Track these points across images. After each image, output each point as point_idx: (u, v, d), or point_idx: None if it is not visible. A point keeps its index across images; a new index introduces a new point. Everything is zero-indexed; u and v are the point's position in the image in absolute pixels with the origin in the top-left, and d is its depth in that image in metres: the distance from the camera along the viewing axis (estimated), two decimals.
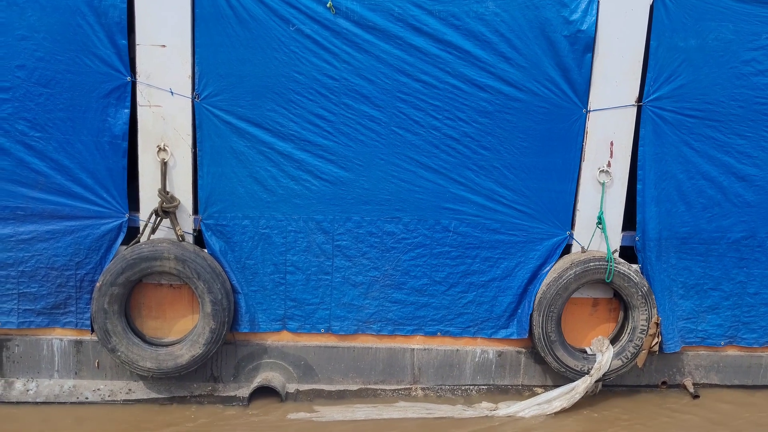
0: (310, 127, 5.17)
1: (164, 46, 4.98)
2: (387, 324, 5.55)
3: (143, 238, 5.17)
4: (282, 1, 4.95)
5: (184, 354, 5.18)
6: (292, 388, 5.53)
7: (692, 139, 5.40)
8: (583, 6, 5.11)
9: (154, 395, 5.37)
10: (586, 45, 5.16)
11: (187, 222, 5.24)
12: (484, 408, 5.46)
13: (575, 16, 5.11)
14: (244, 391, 5.42)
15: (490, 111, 5.24)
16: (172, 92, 5.04)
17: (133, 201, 5.22)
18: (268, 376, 5.48)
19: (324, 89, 5.11)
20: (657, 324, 5.53)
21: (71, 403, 5.29)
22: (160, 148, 5.10)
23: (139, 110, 5.06)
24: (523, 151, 5.34)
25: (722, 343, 5.85)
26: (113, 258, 5.14)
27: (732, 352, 5.92)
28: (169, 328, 5.44)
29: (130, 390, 5.38)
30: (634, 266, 5.52)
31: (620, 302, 5.70)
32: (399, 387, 5.66)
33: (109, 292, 5.04)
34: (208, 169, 5.19)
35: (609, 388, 5.77)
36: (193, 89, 5.06)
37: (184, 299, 5.40)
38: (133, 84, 5.02)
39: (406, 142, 5.25)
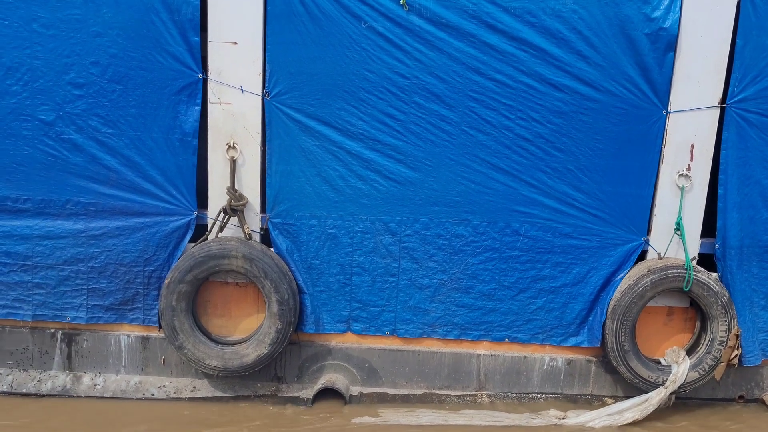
0: (379, 126, 5.08)
1: (236, 43, 4.95)
2: (453, 328, 5.43)
3: (211, 236, 5.15)
4: None
5: (250, 353, 5.15)
6: (355, 390, 5.45)
7: None
8: (665, 3, 4.90)
9: (218, 393, 5.36)
10: (668, 43, 4.95)
11: (254, 220, 5.21)
12: (552, 417, 5.29)
13: (657, 14, 4.91)
14: (308, 392, 5.37)
15: (565, 111, 5.08)
16: (242, 90, 5.01)
17: (201, 199, 5.21)
18: (332, 377, 5.42)
19: (395, 88, 5.02)
20: (737, 335, 5.29)
21: (137, 399, 5.31)
22: (229, 146, 5.08)
23: (210, 107, 5.06)
24: (599, 154, 5.16)
25: None
26: (181, 255, 5.14)
27: None
28: (235, 327, 5.41)
29: (195, 388, 5.38)
30: (714, 275, 5.29)
31: (697, 312, 5.46)
32: (464, 393, 5.53)
33: (177, 290, 5.04)
34: (276, 167, 5.15)
35: (682, 400, 5.54)
36: (264, 87, 5.03)
37: (249, 298, 5.37)
38: (204, 81, 5.01)
39: (476, 143, 5.13)
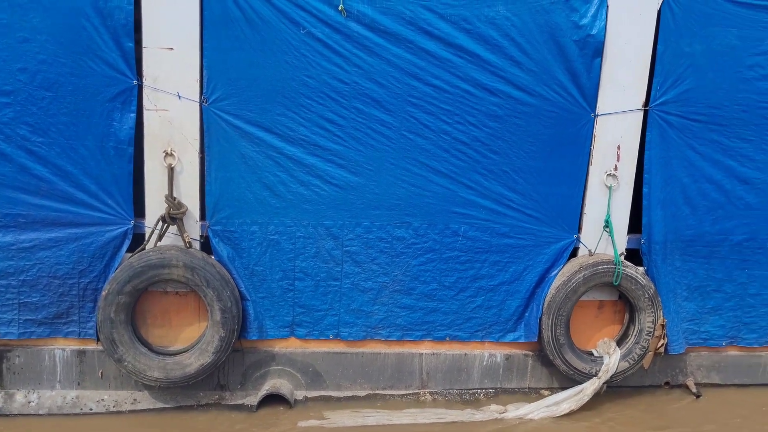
0: (320, 132, 5.11)
1: (172, 48, 4.87)
2: (396, 330, 5.52)
3: (149, 246, 5.05)
4: (292, 4, 4.88)
5: (193, 363, 5.09)
6: (300, 395, 5.47)
7: (697, 143, 5.46)
8: (592, 11, 5.13)
9: (160, 405, 5.26)
10: (595, 49, 5.18)
11: (193, 228, 5.14)
12: (493, 411, 5.46)
13: (585, 21, 5.13)
14: (252, 399, 5.34)
15: (500, 115, 5.24)
16: (179, 96, 4.93)
17: (138, 207, 5.10)
18: (277, 383, 5.41)
19: (334, 93, 5.05)
20: (663, 326, 5.60)
21: (75, 414, 5.16)
22: (167, 153, 4.99)
23: (146, 114, 4.95)
24: (533, 155, 5.34)
25: (724, 343, 5.94)
26: (119, 266, 5.02)
27: (733, 352, 6.02)
28: (175, 337, 5.33)
29: (135, 400, 5.27)
30: (640, 269, 5.57)
31: (625, 304, 5.75)
32: (407, 392, 5.64)
33: (115, 301, 4.92)
34: (215, 174, 5.09)
35: (613, 389, 5.81)
36: (201, 93, 4.96)
37: (190, 307, 5.30)
38: (140, 87, 4.90)
39: (416, 147, 5.22)
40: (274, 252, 5.25)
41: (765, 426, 5.56)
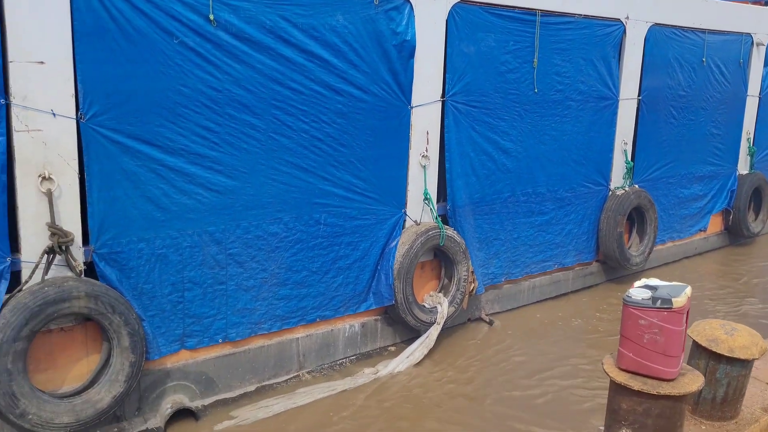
0: (198, 140, 5.16)
1: (42, 63, 4.44)
2: (276, 321, 5.84)
3: (33, 281, 4.53)
4: (165, 14, 4.86)
5: (104, 397, 4.75)
6: (197, 404, 5.44)
7: (476, 124, 6.90)
8: (405, 20, 6.13)
9: None
10: (410, 52, 6.20)
11: (77, 255, 4.74)
12: (369, 374, 6.18)
13: (400, 29, 6.11)
14: (155, 422, 5.17)
15: (345, 112, 5.93)
16: (54, 114, 4.52)
17: (12, 241, 4.52)
18: (176, 399, 5.31)
19: (209, 101, 5.16)
20: (472, 272, 6.96)
21: None
22: (43, 177, 4.53)
23: (16, 136, 4.42)
24: (371, 145, 6.16)
25: (502, 280, 7.58)
26: (4, 309, 4.40)
27: (505, 285, 7.71)
28: (62, 378, 4.85)
29: None
30: (452, 229, 6.82)
31: (440, 261, 6.96)
32: (289, 377, 6.02)
33: (11, 350, 4.34)
34: (98, 194, 4.78)
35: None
36: (78, 109, 4.62)
37: (76, 342, 4.88)
38: (8, 107, 4.36)
39: (281, 147, 5.61)
40: (163, 266, 5.14)
41: (530, 335, 7.34)
